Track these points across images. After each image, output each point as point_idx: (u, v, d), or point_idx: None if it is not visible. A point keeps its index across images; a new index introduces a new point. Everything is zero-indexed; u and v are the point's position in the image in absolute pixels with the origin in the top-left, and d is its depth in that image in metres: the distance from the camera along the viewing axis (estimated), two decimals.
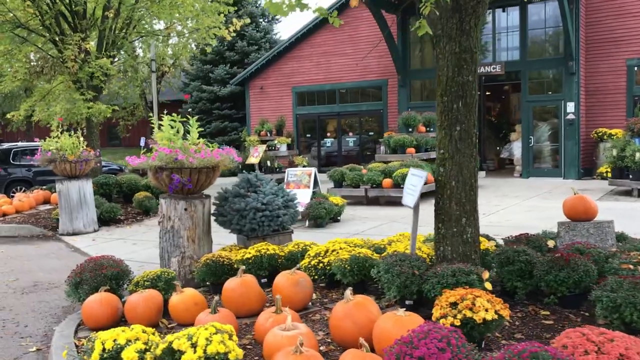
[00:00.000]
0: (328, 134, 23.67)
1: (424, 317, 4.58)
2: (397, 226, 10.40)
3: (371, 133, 22.63)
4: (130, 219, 12.97)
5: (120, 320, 5.12)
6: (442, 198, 4.84)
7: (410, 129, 14.63)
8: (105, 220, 12.28)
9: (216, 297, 4.33)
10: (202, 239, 6.99)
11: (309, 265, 5.61)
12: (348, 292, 4.05)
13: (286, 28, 72.17)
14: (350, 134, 23.12)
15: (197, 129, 7.21)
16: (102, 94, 16.05)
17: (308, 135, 23.65)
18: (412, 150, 13.96)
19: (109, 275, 5.29)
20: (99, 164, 15.35)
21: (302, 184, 11.05)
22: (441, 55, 4.79)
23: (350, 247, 5.81)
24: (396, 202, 13.10)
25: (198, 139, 7.08)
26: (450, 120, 4.75)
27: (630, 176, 12.89)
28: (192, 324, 4.86)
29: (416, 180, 4.95)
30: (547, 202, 12.62)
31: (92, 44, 13.86)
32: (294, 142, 19.92)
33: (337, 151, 23.10)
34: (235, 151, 7.00)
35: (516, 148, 19.18)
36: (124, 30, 15.16)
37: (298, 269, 5.32)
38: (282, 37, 28.98)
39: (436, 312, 3.88)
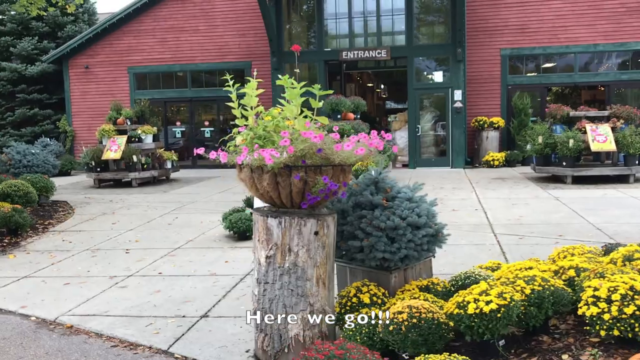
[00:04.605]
0: (178, 123, 20.29)
1: None
2: None
3: (232, 122, 19.89)
4: None
5: None
6: None
7: (338, 116, 12.65)
8: None
9: None
10: (331, 278, 4.34)
11: None
12: None
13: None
14: (206, 123, 20.10)
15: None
16: None
17: None
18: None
19: None
20: None
21: None
22: None
23: None
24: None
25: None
26: None
27: (564, 163, 12.76)
28: None
29: None
30: (500, 192, 11.82)
31: None
32: (160, 131, 16.40)
33: (192, 143, 19.89)
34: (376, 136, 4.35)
35: (399, 137, 18.38)
36: None
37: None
38: (97, 9, 24.30)
39: None
